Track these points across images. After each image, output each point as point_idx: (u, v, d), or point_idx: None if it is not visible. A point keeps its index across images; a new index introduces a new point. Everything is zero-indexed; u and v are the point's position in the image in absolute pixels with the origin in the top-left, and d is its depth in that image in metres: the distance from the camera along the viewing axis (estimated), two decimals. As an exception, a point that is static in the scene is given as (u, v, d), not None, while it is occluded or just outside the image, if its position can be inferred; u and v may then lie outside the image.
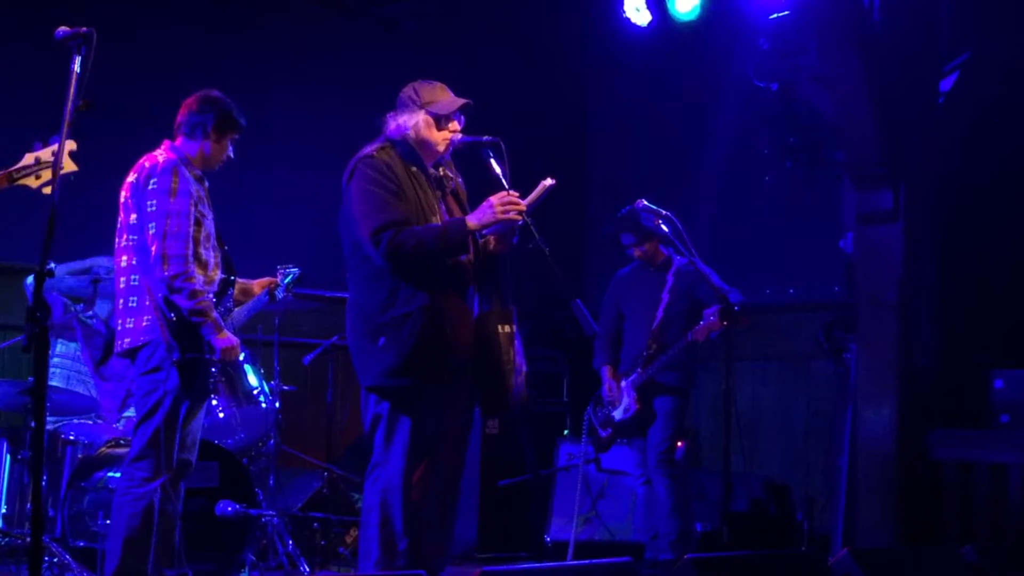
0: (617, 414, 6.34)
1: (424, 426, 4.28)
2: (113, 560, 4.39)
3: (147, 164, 4.52)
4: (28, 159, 3.49)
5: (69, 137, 3.30)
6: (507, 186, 4.28)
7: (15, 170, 3.47)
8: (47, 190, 3.43)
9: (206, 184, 4.66)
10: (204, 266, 4.53)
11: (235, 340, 4.50)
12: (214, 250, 4.62)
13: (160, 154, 4.55)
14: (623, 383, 6.34)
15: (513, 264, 4.59)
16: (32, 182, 3.49)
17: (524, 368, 4.42)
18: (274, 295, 5.12)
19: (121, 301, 4.52)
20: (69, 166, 3.42)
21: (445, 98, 4.43)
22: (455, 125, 4.44)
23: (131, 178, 4.54)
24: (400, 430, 4.25)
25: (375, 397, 4.30)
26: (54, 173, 3.30)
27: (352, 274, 4.40)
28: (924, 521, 5.89)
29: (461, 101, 4.44)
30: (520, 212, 4.23)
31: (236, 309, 4.91)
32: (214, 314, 4.44)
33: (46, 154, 3.45)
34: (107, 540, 4.52)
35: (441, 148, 4.43)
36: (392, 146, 4.39)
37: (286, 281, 5.23)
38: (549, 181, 4.30)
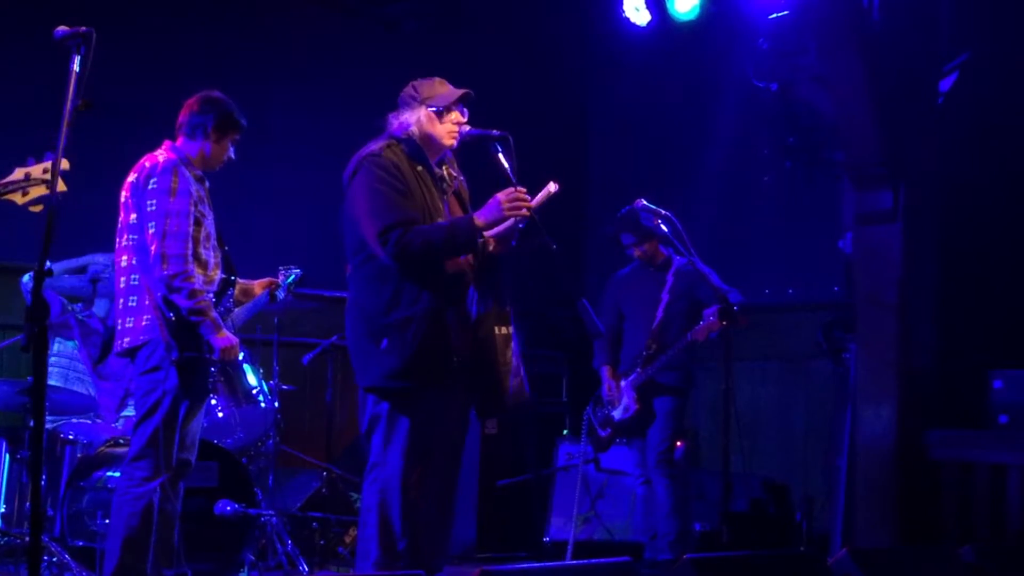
0: (616, 414, 6.34)
1: (422, 427, 4.27)
2: (112, 560, 4.40)
3: (147, 164, 4.53)
4: (18, 174, 3.46)
5: (68, 136, 3.30)
6: (515, 182, 4.26)
7: (2, 184, 3.45)
8: (34, 208, 3.40)
9: (207, 184, 4.66)
10: (204, 266, 4.53)
11: (234, 339, 4.50)
12: (214, 250, 4.62)
13: (160, 154, 4.56)
14: (622, 383, 6.35)
15: (513, 263, 4.59)
16: (19, 198, 3.45)
17: (521, 369, 4.41)
18: (275, 295, 5.13)
19: (121, 301, 4.53)
20: (60, 186, 3.39)
21: (444, 91, 4.42)
22: (457, 116, 4.41)
23: (131, 178, 4.55)
24: (399, 431, 4.25)
25: (374, 397, 4.30)
26: (53, 175, 3.29)
27: (354, 273, 4.37)
28: (923, 521, 5.89)
29: (460, 91, 4.42)
30: (528, 208, 4.21)
31: (236, 309, 4.91)
32: (213, 313, 4.44)
33: (37, 171, 3.41)
34: (106, 539, 4.52)
35: (446, 141, 4.41)
36: (398, 144, 4.37)
37: (288, 282, 5.24)
38: (553, 187, 4.27)
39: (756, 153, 7.98)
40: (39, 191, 3.38)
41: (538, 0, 8.85)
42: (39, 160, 3.42)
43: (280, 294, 5.16)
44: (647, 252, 6.44)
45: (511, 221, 4.23)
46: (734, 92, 7.84)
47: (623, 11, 7.28)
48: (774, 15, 6.47)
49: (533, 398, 4.49)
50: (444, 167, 4.49)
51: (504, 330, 4.34)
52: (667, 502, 6.20)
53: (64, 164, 3.34)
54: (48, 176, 3.36)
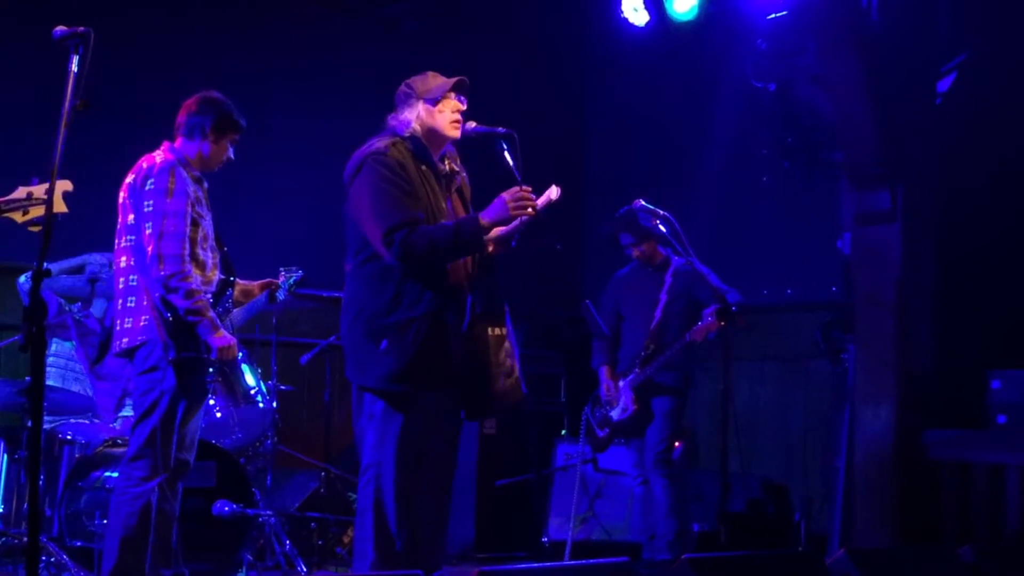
0: (615, 414, 6.34)
1: (417, 427, 4.27)
2: (110, 559, 4.40)
3: (145, 165, 4.53)
4: (20, 193, 3.48)
5: (66, 137, 3.30)
6: (520, 180, 4.24)
7: (4, 202, 3.46)
8: (33, 228, 3.42)
9: (205, 185, 4.66)
10: (202, 267, 4.53)
11: (232, 339, 4.50)
12: (212, 251, 4.62)
13: (158, 155, 4.56)
14: (621, 383, 6.35)
15: (513, 264, 4.58)
16: (19, 217, 3.47)
17: (517, 370, 4.39)
18: (274, 296, 5.14)
19: (120, 301, 4.53)
20: (60, 207, 3.41)
21: (439, 82, 4.40)
22: (456, 104, 4.38)
23: (129, 179, 4.55)
24: (394, 431, 4.23)
25: (369, 397, 4.28)
26: (52, 176, 3.29)
27: (355, 272, 4.34)
28: (922, 521, 5.89)
29: (454, 79, 4.38)
30: (532, 208, 4.19)
31: (235, 310, 4.91)
32: (211, 313, 4.44)
33: (39, 191, 3.42)
34: (104, 539, 4.52)
35: (449, 132, 4.37)
36: (403, 143, 4.34)
37: (289, 283, 5.24)
38: (555, 193, 4.27)
39: (755, 153, 7.98)
40: (39, 212, 3.40)
41: (537, 0, 8.85)
42: (43, 180, 3.43)
43: (280, 295, 5.16)
44: (645, 252, 6.44)
45: (516, 221, 4.22)
46: (733, 92, 7.84)
47: (622, 11, 7.28)
48: (772, 15, 6.47)
49: (530, 400, 4.46)
50: (447, 162, 4.47)
51: (497, 331, 4.32)
52: (665, 502, 6.20)
53: (67, 185, 3.36)
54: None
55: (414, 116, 4.36)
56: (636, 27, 7.31)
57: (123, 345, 4.49)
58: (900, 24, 6.06)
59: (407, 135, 4.36)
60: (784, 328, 7.98)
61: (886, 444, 5.96)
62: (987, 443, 5.81)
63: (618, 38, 7.92)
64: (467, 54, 8.22)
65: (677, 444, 6.32)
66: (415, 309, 4.19)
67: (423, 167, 4.32)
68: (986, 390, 5.86)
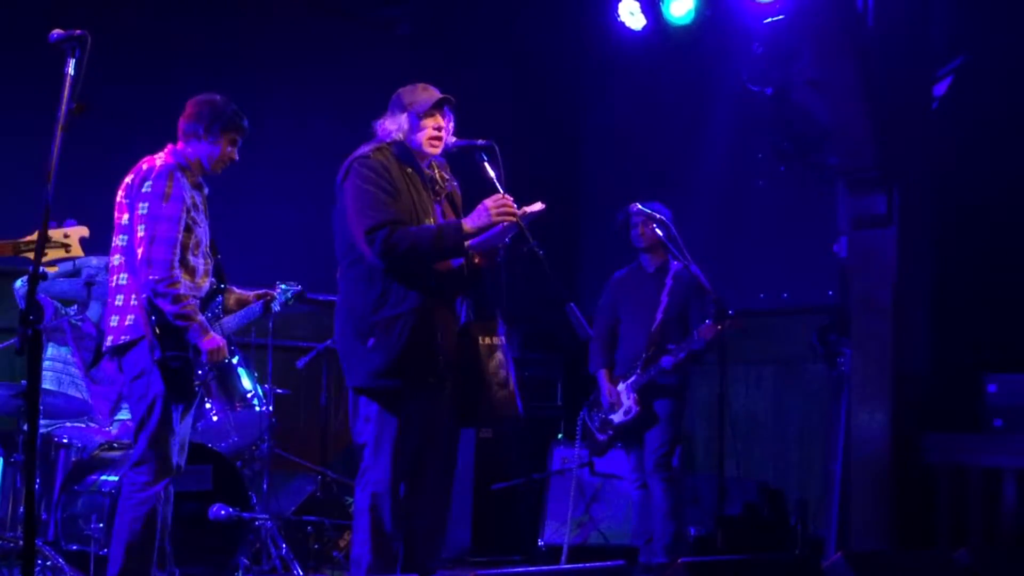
0: (616, 417, 6.31)
1: (412, 428, 4.29)
2: (116, 565, 4.40)
3: (144, 167, 4.54)
4: (37, 235, 3.48)
5: (63, 139, 3.30)
6: (501, 189, 4.29)
7: (24, 242, 3.46)
8: (49, 268, 3.43)
9: (205, 191, 4.67)
10: (192, 272, 4.53)
11: (221, 341, 4.51)
12: (204, 257, 4.62)
13: (159, 158, 4.57)
14: (621, 386, 6.31)
15: (506, 268, 4.59)
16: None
17: (511, 382, 4.39)
18: (270, 308, 5.16)
19: (110, 300, 4.55)
20: (76, 251, 3.42)
21: (425, 96, 4.42)
22: (437, 121, 4.40)
23: (128, 179, 4.56)
24: (388, 433, 4.26)
25: (364, 400, 4.32)
26: (50, 175, 3.29)
27: (344, 274, 4.41)
28: (917, 525, 5.90)
29: (437, 96, 4.42)
30: (514, 215, 4.23)
31: (226, 316, 4.92)
32: (200, 317, 4.45)
33: (57, 235, 3.44)
34: (110, 545, 4.53)
35: (426, 148, 4.41)
36: (388, 147, 4.40)
37: (286, 296, 5.26)
38: (538, 207, 4.30)
39: (750, 157, 7.98)
40: (56, 254, 3.42)
41: (533, 4, 8.84)
42: (60, 224, 3.43)
43: (275, 307, 5.21)
44: (651, 237, 6.32)
45: (499, 227, 4.26)
46: (729, 96, 7.83)
47: (618, 15, 7.29)
48: (769, 20, 6.48)
49: (523, 413, 4.46)
50: (436, 170, 4.50)
51: (488, 340, 4.37)
52: (664, 505, 6.17)
53: (84, 231, 3.38)
54: (66, 240, 3.44)
55: (396, 127, 4.42)
56: (632, 31, 7.33)
57: (109, 344, 4.50)
58: (896, 29, 6.07)
59: (392, 140, 4.40)
60: (780, 332, 7.97)
61: (882, 448, 5.96)
62: (983, 446, 5.82)
63: (614, 42, 7.93)
64: (462, 58, 8.23)
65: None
66: (401, 306, 4.25)
67: (408, 170, 4.37)
68: (982, 393, 5.87)
